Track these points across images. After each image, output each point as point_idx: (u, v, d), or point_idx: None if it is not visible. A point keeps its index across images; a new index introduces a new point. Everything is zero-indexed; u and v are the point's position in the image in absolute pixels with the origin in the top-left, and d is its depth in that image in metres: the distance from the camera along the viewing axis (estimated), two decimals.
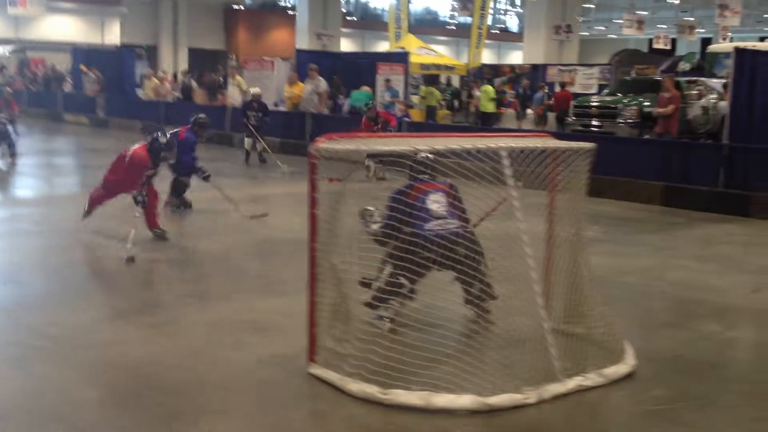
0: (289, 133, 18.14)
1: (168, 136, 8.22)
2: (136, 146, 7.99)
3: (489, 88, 21.82)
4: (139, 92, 24.70)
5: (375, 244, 5.42)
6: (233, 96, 20.11)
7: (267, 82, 19.96)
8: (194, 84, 24.76)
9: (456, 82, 29.63)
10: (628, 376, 4.83)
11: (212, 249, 8.15)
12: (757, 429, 4.21)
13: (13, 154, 14.38)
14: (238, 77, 20.85)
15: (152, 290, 6.71)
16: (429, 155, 5.49)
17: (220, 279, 7.06)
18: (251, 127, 15.11)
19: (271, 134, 18.39)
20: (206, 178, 9.76)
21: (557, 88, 22.99)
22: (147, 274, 7.18)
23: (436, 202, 5.44)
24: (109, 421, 4.14)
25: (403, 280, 5.20)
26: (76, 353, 5.08)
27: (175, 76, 26.21)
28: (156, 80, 24.03)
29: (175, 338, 5.40)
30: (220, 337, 5.41)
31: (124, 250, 7.16)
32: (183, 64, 37.63)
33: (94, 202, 8.47)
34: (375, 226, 5.45)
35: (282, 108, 19.31)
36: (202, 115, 10.25)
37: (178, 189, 9.97)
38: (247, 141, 15.40)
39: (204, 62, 39.38)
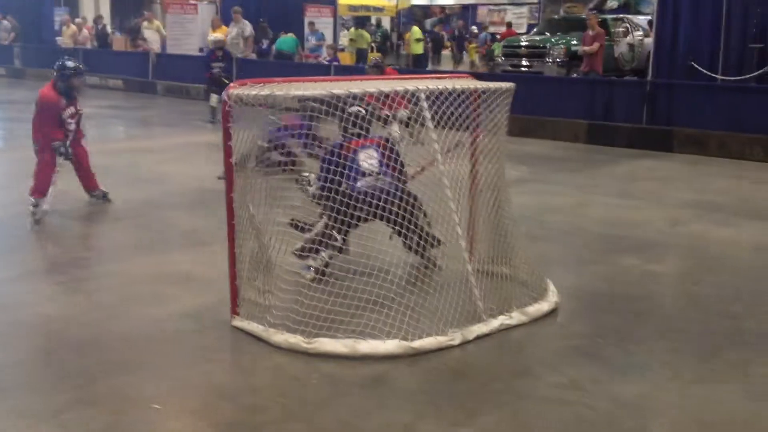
0: None
1: (74, 61, 7.34)
2: (43, 88, 7.27)
3: (416, 29, 21.65)
4: (59, 40, 23.71)
5: (314, 202, 5.33)
6: (153, 41, 19.47)
7: (190, 26, 19.41)
8: (110, 30, 23.87)
9: (387, 23, 29.27)
10: (551, 314, 4.93)
11: (132, 200, 7.92)
12: (671, 360, 4.34)
13: None
14: (156, 21, 20.17)
15: (67, 246, 6.46)
16: (362, 109, 5.43)
17: (139, 231, 6.88)
18: (216, 80, 13.18)
19: (196, 81, 17.96)
20: None
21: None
22: (63, 230, 6.91)
23: (368, 158, 5.39)
24: (21, 381, 4.03)
25: (335, 234, 5.16)
26: None
27: (96, 21, 25.18)
28: (74, 27, 23.09)
29: (88, 294, 5.26)
30: (136, 291, 5.29)
31: (30, 214, 6.84)
32: (105, 9, 36.14)
33: (42, 181, 7.03)
34: (312, 188, 5.38)
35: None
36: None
37: None
38: (213, 97, 13.06)
39: (127, 7, 37.97)
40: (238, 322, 4.62)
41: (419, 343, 4.31)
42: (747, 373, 4.20)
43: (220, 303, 4.85)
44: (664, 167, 10.31)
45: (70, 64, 7.25)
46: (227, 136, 4.50)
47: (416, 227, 5.07)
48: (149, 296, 5.20)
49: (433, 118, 4.70)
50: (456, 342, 4.41)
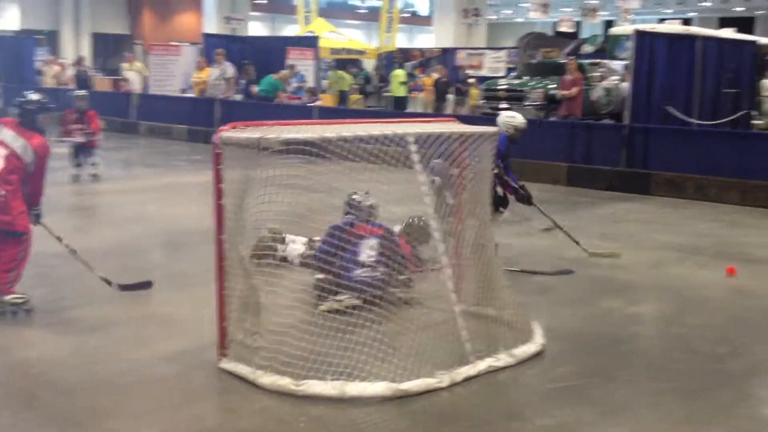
0: (197, 120, 17.79)
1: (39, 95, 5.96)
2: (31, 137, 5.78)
3: (400, 72, 21.87)
4: (40, 80, 23.73)
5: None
6: (134, 82, 19.62)
7: (172, 67, 19.55)
8: (89, 72, 23.94)
9: (369, 66, 29.57)
10: (537, 355, 4.95)
11: (114, 242, 7.86)
12: (657, 401, 4.37)
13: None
14: (137, 63, 20.35)
15: (46, 288, 6.28)
16: (357, 197, 5.86)
17: (122, 273, 6.80)
18: None
19: (178, 122, 18.05)
20: None
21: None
22: (43, 271, 6.81)
23: (369, 250, 5.67)
24: (2, 425, 3.97)
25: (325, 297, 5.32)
26: None
27: (76, 62, 25.23)
28: (57, 67, 23.16)
29: (69, 336, 5.20)
30: (121, 334, 5.26)
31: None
32: (86, 50, 36.22)
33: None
34: (310, 252, 5.86)
35: (191, 94, 18.94)
36: None
37: None
38: None
39: (108, 48, 38.20)
40: (226, 364, 4.60)
41: (408, 385, 4.31)
42: (733, 414, 4.24)
43: (206, 345, 4.83)
44: (643, 210, 10.44)
45: (34, 97, 5.87)
46: (218, 178, 4.53)
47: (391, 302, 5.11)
48: (134, 339, 5.17)
49: (420, 161, 4.77)
50: (444, 384, 4.41)
